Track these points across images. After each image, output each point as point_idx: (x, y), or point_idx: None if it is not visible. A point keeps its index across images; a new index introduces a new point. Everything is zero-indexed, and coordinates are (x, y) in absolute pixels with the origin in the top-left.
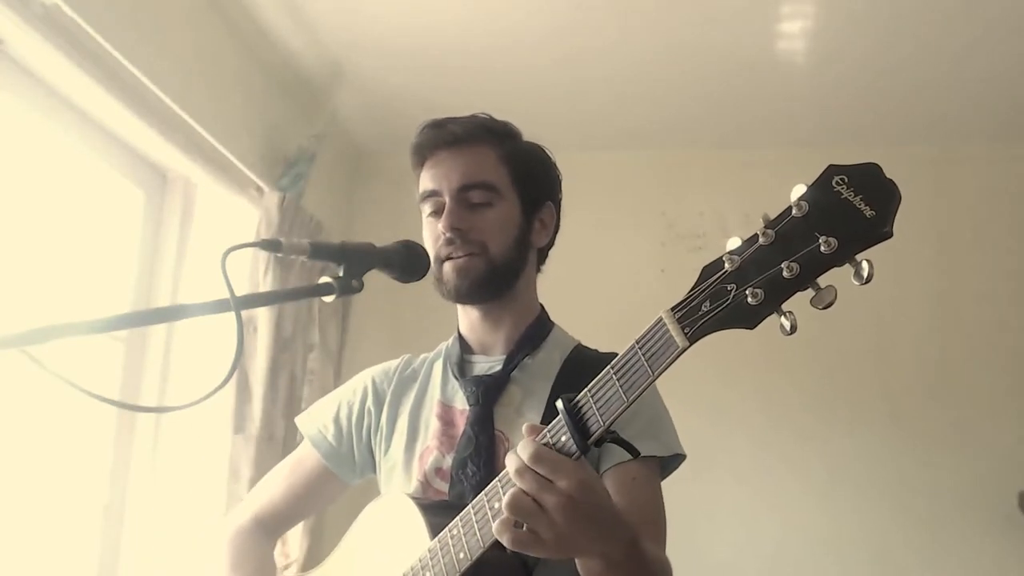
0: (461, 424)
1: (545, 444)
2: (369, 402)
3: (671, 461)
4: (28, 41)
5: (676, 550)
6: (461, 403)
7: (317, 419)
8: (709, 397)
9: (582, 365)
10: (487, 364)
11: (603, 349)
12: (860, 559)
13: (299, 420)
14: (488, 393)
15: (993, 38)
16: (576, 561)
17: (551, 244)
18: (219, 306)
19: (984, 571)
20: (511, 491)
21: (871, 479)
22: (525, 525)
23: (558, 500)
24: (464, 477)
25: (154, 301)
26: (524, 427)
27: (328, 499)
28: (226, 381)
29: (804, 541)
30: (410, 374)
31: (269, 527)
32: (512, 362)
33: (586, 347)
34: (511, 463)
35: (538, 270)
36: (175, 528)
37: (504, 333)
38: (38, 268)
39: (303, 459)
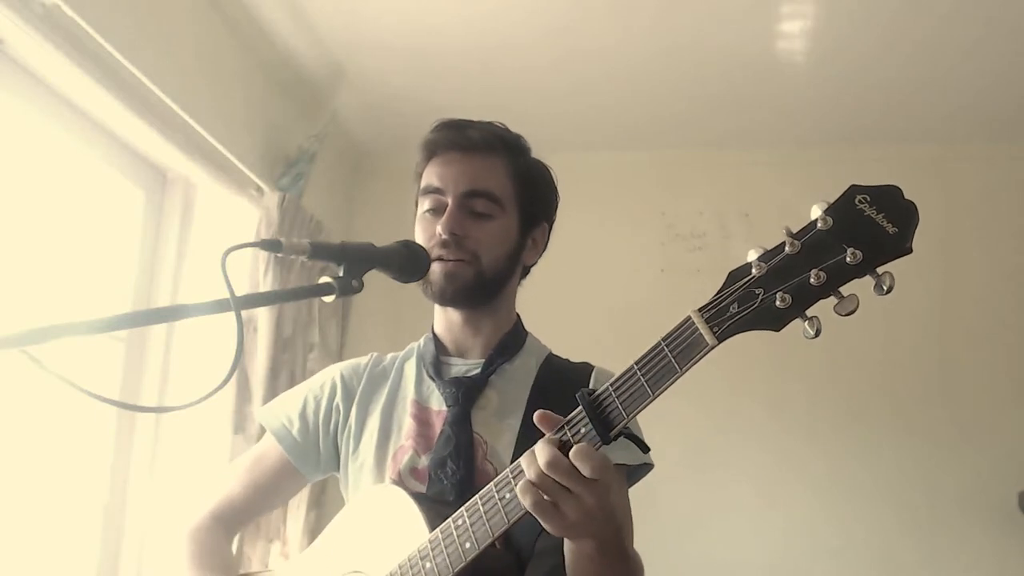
0: (438, 425)
1: (563, 436)
2: (338, 398)
3: (638, 470)
4: (28, 41)
5: (681, 548)
6: (437, 404)
7: (281, 413)
8: (714, 398)
9: (557, 372)
10: (464, 367)
11: (602, 347)
12: (861, 558)
13: (261, 413)
14: (467, 394)
15: (993, 38)
16: (565, 543)
17: (535, 263)
18: (219, 306)
19: (984, 571)
20: (549, 486)
21: (872, 479)
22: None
23: (594, 497)
24: (444, 476)
25: (154, 301)
26: (536, 415)
27: (288, 494)
28: (226, 381)
29: (806, 540)
30: (380, 372)
31: (228, 522)
32: (491, 366)
33: (556, 356)
34: (548, 456)
35: (519, 282)
36: (172, 526)
37: (482, 338)
38: (38, 268)
39: (265, 453)
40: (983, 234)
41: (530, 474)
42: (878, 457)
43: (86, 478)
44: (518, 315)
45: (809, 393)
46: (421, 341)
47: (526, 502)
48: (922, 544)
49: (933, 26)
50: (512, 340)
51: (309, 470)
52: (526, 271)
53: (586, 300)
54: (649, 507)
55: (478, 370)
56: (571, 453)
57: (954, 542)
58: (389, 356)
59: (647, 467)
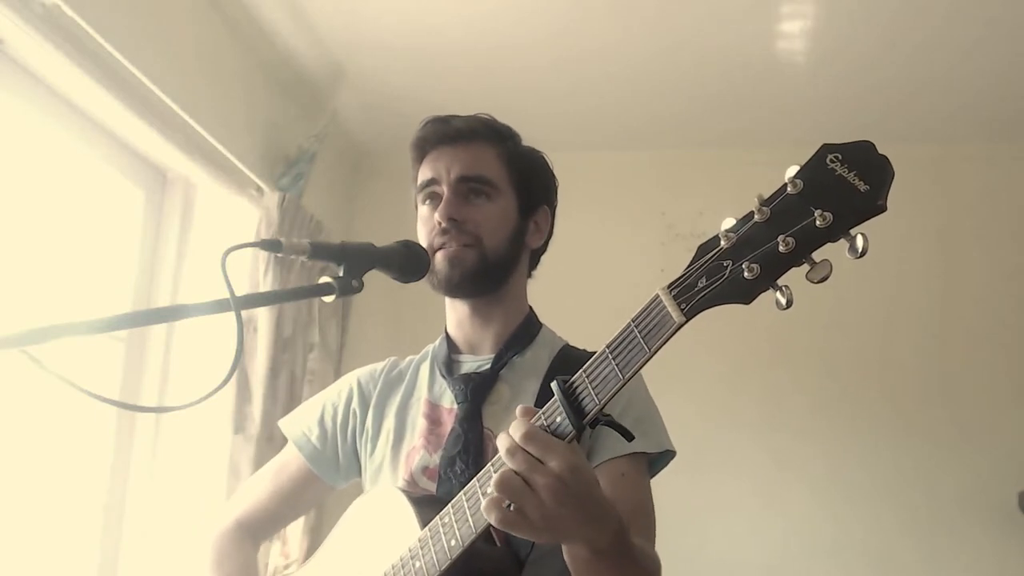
0: (449, 422)
1: (540, 426)
2: (354, 404)
3: (660, 458)
4: (28, 41)
5: (679, 547)
6: (449, 402)
7: (301, 421)
8: (713, 397)
9: (570, 364)
10: (475, 363)
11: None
12: (861, 558)
13: (283, 423)
14: (477, 390)
15: (993, 38)
16: (562, 548)
17: (544, 249)
18: (219, 306)
19: (984, 571)
20: (501, 470)
21: (872, 479)
22: (512, 505)
23: (547, 481)
24: (452, 475)
25: (154, 301)
26: (518, 409)
27: (312, 502)
28: (226, 381)
29: (805, 540)
30: (396, 375)
31: (252, 530)
32: (501, 360)
33: (574, 347)
34: (503, 443)
35: (529, 274)
36: (175, 528)
37: (493, 331)
38: (38, 268)
39: (287, 462)
40: (983, 234)
41: (502, 447)
42: (877, 457)
43: (86, 478)
44: (531, 307)
45: (808, 392)
46: (436, 342)
47: (492, 519)
48: (922, 544)
49: (933, 26)
50: (524, 332)
51: (330, 476)
52: (535, 261)
53: (586, 300)
54: None
55: (488, 366)
56: (510, 427)
57: (954, 542)
58: (406, 360)
59: (669, 454)
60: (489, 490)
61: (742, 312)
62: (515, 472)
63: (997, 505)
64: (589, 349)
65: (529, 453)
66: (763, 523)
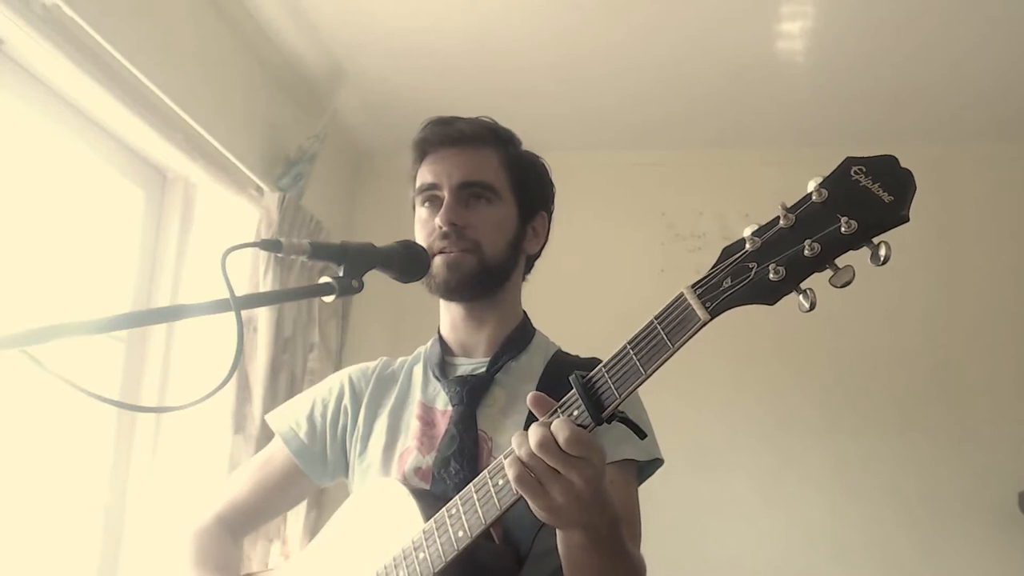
0: (442, 424)
1: (556, 418)
2: (346, 400)
3: (648, 466)
4: (28, 41)
5: (683, 547)
6: (442, 404)
7: (289, 416)
8: (716, 396)
9: (564, 369)
10: (470, 366)
11: (602, 348)
12: (862, 557)
13: (270, 417)
14: (472, 393)
15: (993, 38)
16: (558, 534)
17: (539, 254)
18: (219, 306)
19: (985, 571)
20: (536, 462)
21: (874, 479)
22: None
23: (581, 481)
24: (447, 475)
25: (154, 301)
26: (529, 397)
27: (294, 500)
28: (226, 381)
29: (808, 539)
30: (389, 375)
31: (233, 526)
32: (497, 364)
33: (566, 352)
34: (539, 437)
35: (524, 278)
36: (175, 528)
37: (486, 335)
38: (38, 268)
39: (272, 457)
40: (983, 234)
41: (520, 453)
42: (878, 456)
43: (86, 478)
44: (525, 312)
45: (810, 392)
46: (428, 344)
47: (510, 474)
48: (922, 543)
49: (933, 26)
50: (519, 337)
51: (316, 474)
52: (530, 264)
53: (586, 300)
54: (648, 505)
55: (483, 369)
56: (552, 425)
57: (954, 542)
58: (399, 360)
59: (657, 462)
60: (501, 482)
61: (746, 310)
62: (547, 463)
63: (997, 505)
64: (599, 349)
65: (559, 446)
66: (765, 521)
